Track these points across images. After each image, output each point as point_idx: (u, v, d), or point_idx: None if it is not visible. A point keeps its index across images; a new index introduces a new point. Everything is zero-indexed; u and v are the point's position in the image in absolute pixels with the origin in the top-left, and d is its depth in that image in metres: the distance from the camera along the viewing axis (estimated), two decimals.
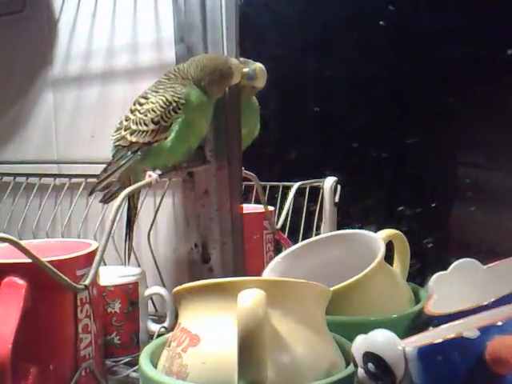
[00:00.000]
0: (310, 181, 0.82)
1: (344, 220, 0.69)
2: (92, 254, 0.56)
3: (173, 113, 0.64)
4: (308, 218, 0.81)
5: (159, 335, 0.66)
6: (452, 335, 0.40)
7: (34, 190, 0.85)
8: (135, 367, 0.63)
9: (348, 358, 0.48)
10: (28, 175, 0.87)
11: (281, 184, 0.82)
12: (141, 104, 0.66)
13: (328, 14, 0.70)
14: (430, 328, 0.55)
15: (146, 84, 0.71)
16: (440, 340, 0.40)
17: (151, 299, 0.73)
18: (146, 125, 0.65)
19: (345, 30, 0.69)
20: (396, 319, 0.56)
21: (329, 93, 0.71)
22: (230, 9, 0.68)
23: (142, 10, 0.76)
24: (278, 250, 0.80)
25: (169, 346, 0.48)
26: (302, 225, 0.81)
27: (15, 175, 0.88)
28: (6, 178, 0.89)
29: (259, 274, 0.77)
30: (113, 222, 0.57)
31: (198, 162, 0.70)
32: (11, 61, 0.88)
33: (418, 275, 0.60)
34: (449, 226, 0.67)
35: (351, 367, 0.46)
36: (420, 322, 0.57)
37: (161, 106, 0.64)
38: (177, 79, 0.66)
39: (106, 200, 0.70)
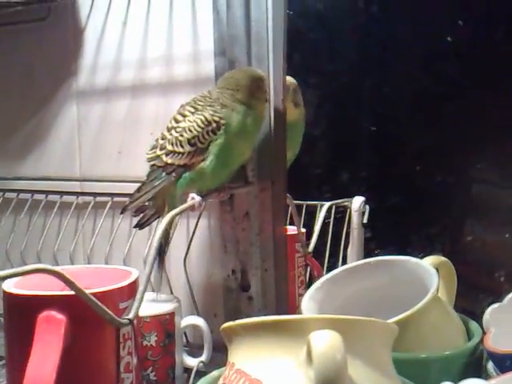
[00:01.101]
0: (338, 201, 0.78)
1: (405, 249, 0.65)
2: (135, 283, 0.51)
3: (212, 134, 0.60)
4: (335, 241, 0.77)
5: (197, 370, 0.61)
6: None
7: (55, 209, 0.80)
8: None
9: None
10: (48, 192, 0.82)
11: (304, 203, 0.78)
12: (177, 121, 0.62)
13: (388, 28, 0.66)
14: (491, 365, 0.53)
15: (180, 99, 0.67)
16: None
17: (184, 331, 0.68)
18: (181, 146, 0.61)
19: (407, 44, 0.65)
20: (451, 356, 0.53)
21: (387, 111, 0.67)
22: (278, 20, 0.64)
23: (179, 19, 0.72)
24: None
25: None
26: (327, 248, 0.77)
27: (33, 192, 0.83)
28: (23, 195, 0.84)
29: (292, 300, 0.73)
30: (157, 248, 0.52)
31: (240, 183, 0.66)
32: (33, 71, 0.84)
33: None
34: None
35: None
36: (475, 358, 0.54)
37: (198, 126, 0.60)
38: (218, 98, 0.62)
39: (141, 225, 0.65)
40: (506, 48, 0.63)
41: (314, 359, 0.38)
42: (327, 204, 0.77)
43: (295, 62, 0.65)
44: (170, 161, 0.61)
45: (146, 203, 0.64)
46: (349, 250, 0.79)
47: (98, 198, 0.78)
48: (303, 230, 0.78)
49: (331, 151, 0.73)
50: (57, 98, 0.82)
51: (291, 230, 0.75)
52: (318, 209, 0.78)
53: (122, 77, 0.77)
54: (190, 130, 0.61)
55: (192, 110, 0.62)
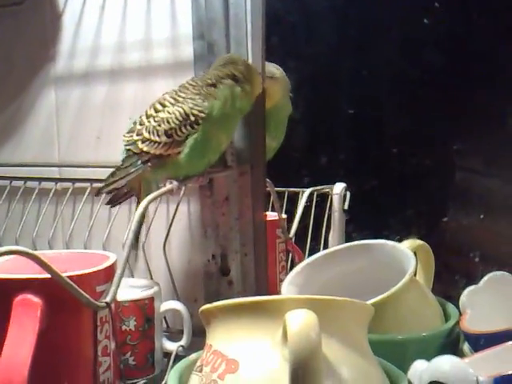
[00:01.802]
0: (319, 187, 0.79)
1: (382, 231, 0.66)
2: (112, 267, 0.51)
3: (189, 128, 0.59)
4: (316, 226, 0.77)
5: (177, 355, 0.62)
6: None
7: (33, 196, 0.80)
8: None
9: (393, 382, 0.44)
10: (26, 179, 0.81)
11: (286, 190, 0.78)
12: (156, 110, 0.62)
13: (366, 10, 0.66)
14: (466, 346, 0.54)
15: (159, 83, 0.66)
16: None
17: (164, 315, 0.68)
18: (158, 135, 0.60)
19: (385, 27, 0.65)
20: (428, 337, 0.54)
21: (365, 94, 0.67)
22: (256, 3, 0.64)
23: (157, 3, 0.71)
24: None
25: (200, 371, 0.43)
26: (309, 233, 0.78)
27: (12, 179, 0.82)
28: (1, 182, 0.83)
29: (273, 285, 0.73)
30: (134, 232, 0.52)
31: (219, 168, 0.65)
32: (10, 56, 0.82)
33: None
34: (497, 239, 0.64)
35: None
36: (452, 339, 0.55)
37: (176, 119, 0.60)
38: (201, 88, 0.61)
39: (114, 203, 0.65)
40: (481, 30, 0.64)
41: (289, 338, 0.38)
42: (308, 190, 0.78)
43: (273, 45, 0.65)
44: (145, 149, 0.61)
45: (121, 185, 0.63)
46: (330, 235, 0.79)
47: (77, 184, 0.77)
48: (284, 216, 0.78)
49: (310, 134, 0.73)
50: (35, 83, 0.81)
51: (272, 215, 0.75)
52: (300, 195, 0.78)
53: (100, 61, 0.76)
54: (168, 122, 0.60)
55: (172, 101, 0.61)
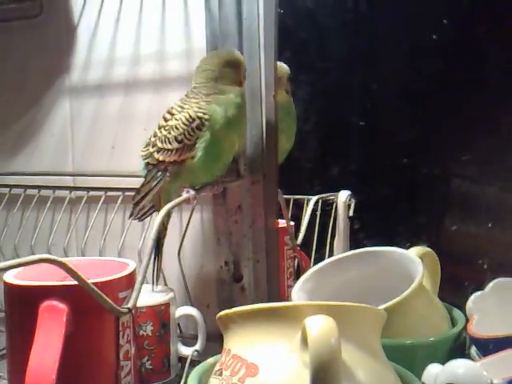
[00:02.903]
0: (324, 195, 0.80)
1: (393, 239, 0.67)
2: (133, 274, 0.53)
3: (197, 130, 0.61)
4: (322, 234, 0.78)
5: (192, 359, 0.63)
6: None
7: (48, 204, 0.81)
8: None
9: None
10: (40, 187, 0.82)
11: (291, 197, 0.80)
12: (166, 120, 0.64)
13: (376, 26, 0.68)
14: (474, 351, 0.55)
15: (173, 95, 0.68)
16: None
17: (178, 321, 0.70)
18: (169, 143, 0.62)
19: (394, 42, 0.67)
20: (436, 342, 0.55)
21: (376, 106, 0.69)
22: (269, 18, 0.65)
23: (171, 16, 0.73)
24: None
25: (220, 375, 0.44)
26: (314, 240, 0.79)
27: (26, 187, 0.83)
28: (15, 190, 0.84)
29: (282, 292, 0.74)
30: (154, 240, 0.54)
31: (232, 177, 0.67)
32: (26, 67, 0.84)
33: None
34: (505, 246, 0.65)
35: None
36: (459, 344, 0.56)
37: (183, 123, 0.62)
38: (202, 94, 0.63)
39: (140, 218, 0.66)
40: (487, 46, 0.65)
41: (310, 343, 0.39)
42: (314, 198, 0.79)
43: (286, 59, 0.66)
44: (161, 158, 0.63)
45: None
46: (335, 242, 0.80)
47: (91, 193, 0.79)
48: (292, 223, 0.79)
49: (321, 146, 0.74)
50: (50, 94, 0.82)
51: (280, 223, 0.77)
52: (306, 203, 0.79)
53: (114, 73, 0.77)
54: (177, 128, 0.62)
55: (179, 108, 0.63)
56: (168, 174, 0.62)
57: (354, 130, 0.71)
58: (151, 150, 0.64)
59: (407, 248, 0.60)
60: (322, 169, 0.73)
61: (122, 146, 0.77)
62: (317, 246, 0.79)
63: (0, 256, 0.82)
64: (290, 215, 0.79)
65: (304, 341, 0.40)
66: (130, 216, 0.66)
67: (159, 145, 0.63)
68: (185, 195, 0.61)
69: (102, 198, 0.77)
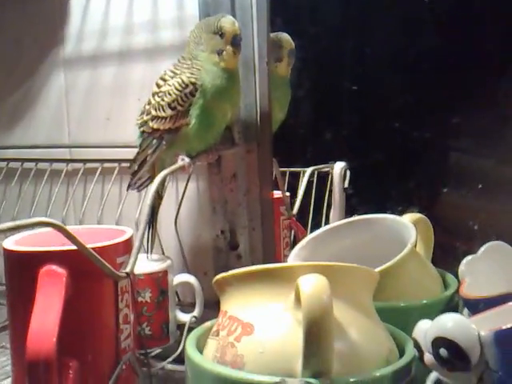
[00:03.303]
0: (319, 166, 0.80)
1: (385, 203, 0.68)
2: (130, 240, 0.54)
3: (190, 96, 0.61)
4: (318, 204, 0.79)
5: (190, 326, 0.64)
6: None
7: (45, 177, 0.82)
8: (169, 358, 0.61)
9: (399, 346, 0.47)
10: (37, 160, 0.83)
11: (287, 170, 0.80)
12: (159, 86, 0.64)
13: None
14: (466, 312, 0.56)
15: (166, 64, 0.67)
16: None
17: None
18: (163, 110, 0.62)
19: (386, 6, 0.67)
20: (429, 304, 0.56)
21: (368, 71, 0.69)
22: None
23: None
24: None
25: (217, 335, 0.46)
26: (310, 211, 0.80)
27: (23, 161, 0.84)
28: (12, 164, 0.85)
29: (278, 260, 0.75)
30: (150, 206, 0.54)
31: (227, 145, 0.67)
32: (20, 40, 0.84)
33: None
34: (495, 207, 0.66)
35: (410, 352, 0.45)
36: (451, 307, 0.57)
37: (176, 89, 0.61)
38: (193, 60, 0.63)
39: (139, 188, 0.67)
40: (480, 8, 0.65)
41: (302, 300, 0.40)
42: (310, 169, 0.79)
43: (278, 25, 0.66)
44: (155, 126, 0.63)
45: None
46: (331, 212, 0.81)
47: (88, 165, 0.79)
48: (287, 194, 0.80)
49: (314, 112, 0.75)
50: (44, 66, 0.82)
51: (276, 193, 0.77)
52: (302, 174, 0.80)
53: (108, 43, 0.77)
54: (170, 94, 0.62)
55: (171, 74, 0.63)
56: (164, 141, 0.62)
57: (346, 94, 0.71)
58: (145, 118, 0.64)
59: (399, 212, 0.61)
60: (314, 135, 0.73)
61: (117, 117, 0.78)
62: (313, 216, 0.80)
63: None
64: (286, 186, 0.79)
65: (298, 299, 0.41)
66: (128, 187, 0.66)
67: (153, 112, 0.63)
68: (180, 162, 0.61)
69: (99, 170, 0.78)
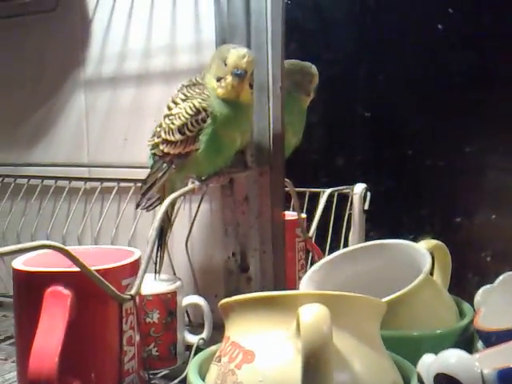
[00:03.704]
0: (339, 188, 0.80)
1: (397, 230, 0.67)
2: (137, 262, 0.54)
3: (201, 122, 0.61)
4: (336, 226, 0.79)
5: (197, 347, 0.64)
6: None
7: (64, 194, 0.83)
8: (175, 381, 0.61)
9: (405, 378, 0.46)
10: (57, 178, 0.84)
11: (307, 190, 0.80)
12: (170, 109, 0.64)
13: (382, 17, 0.68)
14: (480, 344, 0.55)
15: None
16: None
17: (186, 309, 0.71)
18: (173, 134, 0.62)
19: (400, 33, 0.67)
20: (443, 334, 0.55)
21: (381, 97, 0.69)
22: (276, 11, 0.66)
23: (181, 10, 0.74)
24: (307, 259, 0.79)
25: (219, 361, 0.46)
26: (329, 233, 0.79)
27: (43, 178, 0.86)
28: (33, 181, 0.87)
29: (292, 283, 0.75)
30: (158, 229, 0.55)
31: (240, 168, 0.68)
32: (42, 61, 0.86)
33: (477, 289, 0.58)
34: (509, 238, 0.65)
35: None
36: (466, 337, 0.56)
37: (187, 113, 0.61)
38: (204, 86, 0.62)
39: (148, 208, 0.68)
40: (493, 33, 0.65)
41: (302, 330, 0.40)
42: (328, 190, 0.79)
43: (293, 51, 0.67)
44: (166, 150, 0.63)
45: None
46: (350, 235, 0.81)
47: (105, 184, 0.80)
48: (304, 216, 0.80)
49: (328, 137, 0.75)
50: (65, 87, 0.84)
51: (292, 215, 0.77)
52: (321, 195, 0.80)
53: (127, 66, 0.79)
54: (180, 118, 0.62)
55: (183, 97, 0.63)
56: (173, 165, 0.63)
57: (359, 121, 0.71)
58: (157, 140, 0.64)
59: (412, 239, 0.60)
60: (327, 160, 0.73)
61: (134, 138, 0.79)
62: (331, 238, 0.79)
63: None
64: (305, 208, 0.79)
65: (299, 329, 0.41)
66: (137, 206, 0.67)
67: (163, 135, 0.63)
68: (190, 185, 0.62)
69: (115, 189, 0.79)
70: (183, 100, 0.63)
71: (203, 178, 0.64)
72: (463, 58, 0.65)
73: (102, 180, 0.81)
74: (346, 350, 0.43)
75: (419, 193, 0.68)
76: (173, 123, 0.62)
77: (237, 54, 0.60)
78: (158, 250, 0.66)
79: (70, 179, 0.84)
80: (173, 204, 0.65)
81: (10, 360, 0.69)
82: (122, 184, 0.79)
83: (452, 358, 0.41)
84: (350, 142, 0.72)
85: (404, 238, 0.60)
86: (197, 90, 0.63)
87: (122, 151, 0.80)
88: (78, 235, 0.78)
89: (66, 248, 0.45)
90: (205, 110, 0.61)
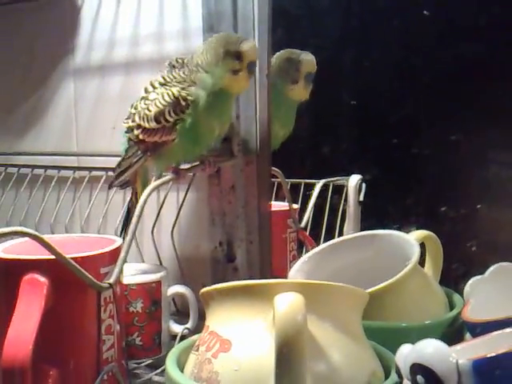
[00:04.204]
0: (334, 178, 0.79)
1: (382, 220, 0.67)
2: (116, 250, 0.54)
3: (180, 112, 0.59)
4: (331, 217, 0.78)
5: (182, 337, 0.64)
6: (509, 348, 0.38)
7: (53, 183, 0.83)
8: (157, 370, 0.61)
9: (387, 368, 0.45)
10: (46, 167, 0.84)
11: (303, 181, 0.79)
12: (146, 91, 0.62)
13: (368, 3, 0.67)
14: (468, 335, 0.54)
15: None
16: (497, 353, 0.38)
17: (172, 299, 0.71)
18: (148, 121, 0.60)
19: (386, 19, 0.66)
20: (431, 325, 0.55)
21: (367, 85, 0.68)
22: None
23: None
24: (300, 249, 0.78)
25: (197, 350, 0.45)
26: (324, 224, 0.79)
27: (33, 167, 0.86)
28: (23, 170, 0.87)
29: (283, 274, 0.75)
30: (138, 217, 0.54)
31: (226, 157, 0.67)
32: (32, 49, 0.86)
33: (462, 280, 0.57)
34: (494, 228, 0.64)
35: (393, 377, 0.44)
36: (455, 329, 0.55)
37: (165, 100, 0.59)
38: (190, 72, 0.61)
39: (122, 186, 0.68)
40: (479, 21, 0.64)
41: (276, 318, 0.40)
42: (322, 181, 0.78)
43: (279, 36, 0.66)
44: (141, 136, 0.61)
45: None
46: (345, 227, 0.80)
47: (94, 173, 0.80)
48: (296, 206, 0.79)
49: (313, 125, 0.74)
50: (55, 75, 0.84)
51: (283, 205, 0.77)
52: (315, 187, 0.79)
53: (116, 54, 0.79)
54: (156, 105, 0.60)
55: (162, 80, 0.62)
56: (148, 153, 0.62)
57: (345, 109, 0.70)
58: (131, 124, 0.63)
59: (396, 229, 0.60)
60: (313, 149, 0.72)
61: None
62: (326, 230, 0.79)
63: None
64: (300, 199, 0.79)
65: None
66: (110, 187, 0.67)
67: (137, 120, 0.61)
68: (169, 176, 0.61)
69: (103, 178, 0.78)
70: (162, 84, 0.61)
71: (180, 166, 0.63)
72: (450, 45, 0.64)
73: (90, 169, 0.81)
74: (323, 339, 0.43)
75: (405, 182, 0.67)
76: (149, 109, 0.61)
77: (252, 48, 0.60)
78: (121, 235, 0.66)
79: (60, 168, 0.84)
80: (137, 191, 0.65)
81: None
82: (110, 173, 0.77)
83: (428, 349, 0.40)
84: (335, 131, 0.71)
85: (389, 228, 0.60)
86: (181, 75, 0.61)
87: (110, 140, 0.80)
88: (66, 224, 0.78)
89: (40, 235, 0.44)
90: (185, 99, 0.59)
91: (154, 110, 0.60)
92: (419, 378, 0.40)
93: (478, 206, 0.64)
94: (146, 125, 0.61)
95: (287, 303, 0.40)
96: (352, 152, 0.71)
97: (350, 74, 0.69)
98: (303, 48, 0.68)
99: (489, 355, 0.38)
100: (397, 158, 0.67)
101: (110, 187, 0.68)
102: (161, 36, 0.74)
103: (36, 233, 0.44)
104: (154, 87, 0.62)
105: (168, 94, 0.60)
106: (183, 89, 0.60)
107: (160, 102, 0.60)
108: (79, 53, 0.82)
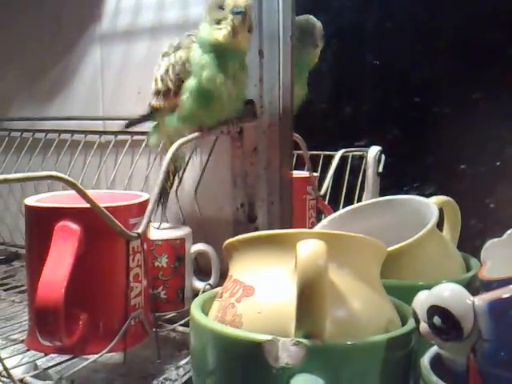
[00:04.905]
0: (352, 149, 0.80)
1: (403, 178, 0.67)
2: (145, 203, 0.56)
3: (182, 75, 0.60)
4: (349, 188, 0.79)
5: (204, 292, 0.66)
6: None
7: (79, 148, 0.85)
8: (180, 321, 0.63)
9: (403, 319, 0.47)
10: (73, 132, 0.86)
11: (322, 153, 0.80)
12: (163, 56, 0.64)
13: None
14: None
15: None
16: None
17: (195, 258, 0.72)
18: (156, 84, 0.63)
19: None
20: None
21: (390, 45, 0.69)
22: None
23: None
24: (319, 218, 0.79)
25: (220, 297, 0.47)
26: (343, 194, 0.80)
27: (60, 132, 0.87)
28: (50, 135, 0.89)
29: None
30: (165, 172, 0.56)
31: (248, 118, 0.68)
32: (59, 16, 0.87)
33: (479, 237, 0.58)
34: None
35: (411, 323, 0.45)
36: (472, 289, 0.56)
37: (172, 65, 0.61)
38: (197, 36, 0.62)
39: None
40: None
41: (298, 263, 0.41)
42: (340, 152, 0.79)
43: (302, 0, 0.66)
44: (154, 103, 0.64)
45: None
46: (363, 197, 0.81)
47: (119, 137, 0.82)
48: (316, 174, 0.80)
49: (336, 86, 0.75)
50: (82, 42, 0.86)
51: (303, 173, 0.78)
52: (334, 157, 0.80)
53: (141, 19, 0.80)
54: (166, 70, 0.62)
55: (175, 45, 0.63)
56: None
57: (368, 69, 0.71)
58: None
59: (415, 187, 0.60)
60: (336, 109, 0.73)
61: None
62: (344, 200, 0.80)
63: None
64: (319, 169, 0.80)
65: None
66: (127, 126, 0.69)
67: (153, 86, 0.64)
68: (194, 134, 0.62)
69: (129, 142, 0.80)
70: (174, 51, 0.62)
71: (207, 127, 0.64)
72: (473, 5, 0.64)
73: (116, 133, 0.82)
74: (343, 286, 0.44)
75: (424, 141, 0.68)
76: (158, 72, 0.63)
77: None
78: (159, 203, 0.67)
79: (86, 133, 0.85)
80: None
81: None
82: (136, 137, 0.80)
83: (445, 291, 0.41)
84: (357, 91, 0.72)
85: (409, 187, 0.60)
86: (186, 44, 0.62)
87: (135, 104, 0.81)
88: (93, 186, 0.80)
89: (74, 181, 0.46)
90: (183, 60, 0.60)
91: (160, 72, 0.63)
92: (436, 319, 0.41)
93: (497, 164, 0.64)
94: (156, 88, 0.63)
95: (310, 248, 0.41)
96: (374, 112, 0.71)
97: (373, 34, 0.70)
98: (327, 11, 0.68)
99: (504, 295, 0.39)
100: (418, 117, 0.68)
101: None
102: (186, 1, 0.75)
103: (70, 178, 0.45)
104: (167, 53, 0.64)
105: (175, 57, 0.61)
106: (190, 51, 0.61)
107: (167, 66, 0.62)
108: (105, 19, 0.83)
